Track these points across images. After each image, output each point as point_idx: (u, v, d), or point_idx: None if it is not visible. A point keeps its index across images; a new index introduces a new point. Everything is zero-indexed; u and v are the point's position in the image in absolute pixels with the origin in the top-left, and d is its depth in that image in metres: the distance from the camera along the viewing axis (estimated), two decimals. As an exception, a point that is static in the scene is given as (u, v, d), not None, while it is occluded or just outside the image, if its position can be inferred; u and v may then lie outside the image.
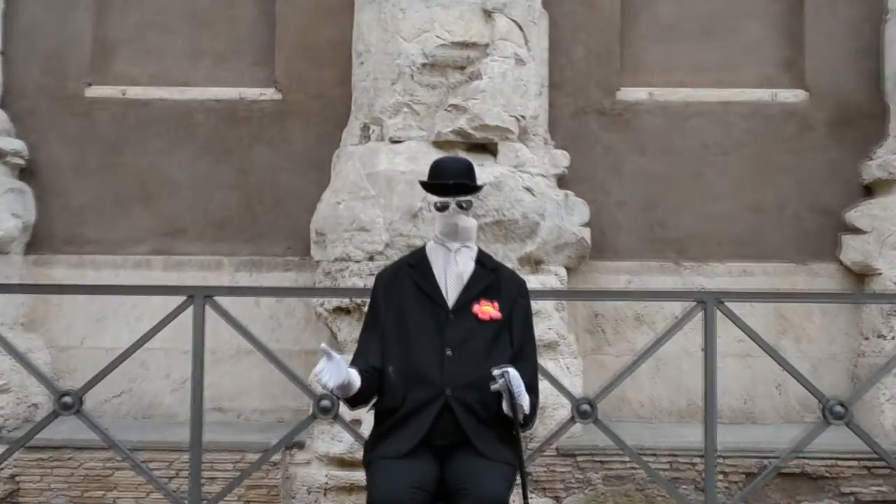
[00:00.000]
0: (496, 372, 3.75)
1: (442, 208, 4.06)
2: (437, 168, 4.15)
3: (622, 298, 6.85)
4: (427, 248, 4.17)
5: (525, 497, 3.89)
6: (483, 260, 4.11)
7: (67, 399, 4.99)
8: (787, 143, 7.34)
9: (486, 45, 6.62)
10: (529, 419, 3.95)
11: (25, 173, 7.26)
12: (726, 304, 5.03)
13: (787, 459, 5.12)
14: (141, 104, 7.38)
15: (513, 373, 3.75)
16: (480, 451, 3.81)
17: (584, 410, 4.86)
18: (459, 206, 4.04)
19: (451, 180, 4.04)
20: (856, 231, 7.12)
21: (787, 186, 7.31)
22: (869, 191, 7.26)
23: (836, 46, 7.37)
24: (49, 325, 7.14)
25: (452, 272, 4.02)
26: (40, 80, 7.39)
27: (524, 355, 4.00)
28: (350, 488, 5.99)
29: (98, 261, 7.23)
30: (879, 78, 7.30)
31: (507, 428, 3.90)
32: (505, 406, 3.80)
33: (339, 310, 6.35)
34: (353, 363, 3.91)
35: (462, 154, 6.32)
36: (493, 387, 3.76)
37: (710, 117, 7.36)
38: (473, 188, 4.08)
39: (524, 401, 3.82)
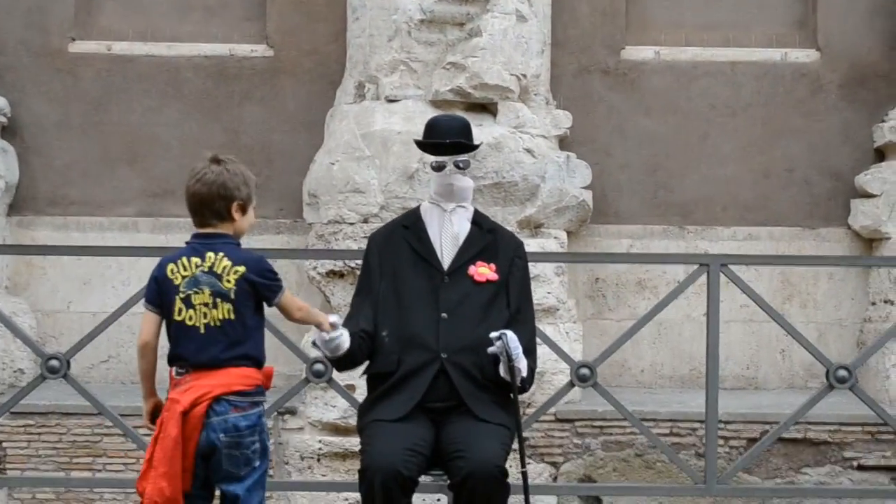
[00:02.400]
0: (494, 334, 3.85)
1: (438, 168, 4.12)
2: (432, 127, 4.20)
3: (624, 261, 6.95)
4: (421, 209, 4.24)
5: (523, 461, 3.99)
6: (479, 221, 4.16)
7: (54, 362, 5.07)
8: (798, 104, 7.41)
9: (487, 1, 6.68)
10: (527, 382, 4.05)
11: (7, 132, 7.31)
12: (731, 267, 5.12)
13: (789, 424, 5.23)
14: (127, 60, 7.42)
15: (510, 335, 3.84)
16: (477, 414, 3.90)
17: (583, 375, 4.95)
18: (456, 165, 4.10)
19: (447, 139, 4.09)
20: (866, 195, 7.21)
21: (796, 149, 7.39)
22: (881, 154, 7.34)
23: (849, 5, 7.42)
24: (33, 288, 7.22)
25: (448, 233, 4.09)
26: (22, 35, 7.41)
27: (521, 318, 4.08)
28: (344, 455, 6.12)
29: (83, 222, 7.31)
30: (895, 38, 7.37)
31: (504, 391, 4.01)
32: (502, 369, 3.89)
33: (332, 273, 6.46)
34: (345, 326, 3.97)
35: (461, 114, 6.37)
36: (491, 350, 3.86)
37: (717, 77, 7.43)
38: (470, 147, 4.15)
39: (522, 364, 3.91)
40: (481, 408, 3.93)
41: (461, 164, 4.12)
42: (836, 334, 7.17)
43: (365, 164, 6.55)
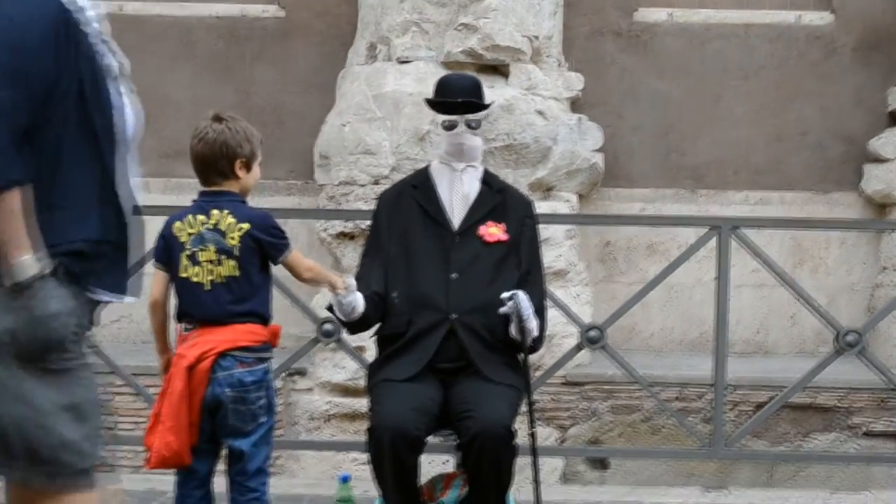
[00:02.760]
0: (505, 295, 3.85)
1: (449, 127, 4.08)
2: (443, 85, 4.17)
3: (634, 223, 6.96)
4: (431, 169, 4.21)
5: (532, 422, 4.00)
6: (489, 180, 4.14)
7: (66, 321, 5.10)
8: (811, 67, 7.36)
9: (499, -38, 6.65)
10: (538, 342, 4.06)
11: (17, 92, 7.31)
12: (742, 230, 5.11)
13: (797, 388, 5.23)
14: (139, 20, 7.38)
15: (522, 296, 3.84)
16: (485, 375, 3.90)
17: (593, 336, 4.96)
18: (468, 125, 4.06)
19: (458, 98, 4.06)
20: (879, 160, 7.17)
21: (809, 113, 7.35)
22: (895, 119, 7.30)
23: (864, -33, 7.36)
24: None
25: (458, 193, 4.07)
26: (31, -7, 7.41)
27: (532, 278, 4.07)
28: (353, 416, 6.15)
29: (94, 184, 7.30)
30: (910, 0, 7.30)
31: (514, 352, 4.02)
32: (513, 329, 3.89)
33: (342, 235, 6.47)
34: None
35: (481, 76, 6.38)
36: (502, 310, 3.86)
37: (731, 40, 7.38)
38: (482, 106, 4.11)
39: (533, 324, 3.91)
40: (490, 368, 3.94)
41: (473, 124, 4.08)
42: (847, 300, 7.15)
43: (376, 125, 6.53)
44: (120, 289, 2.58)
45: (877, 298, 6.97)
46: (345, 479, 4.14)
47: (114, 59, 2.63)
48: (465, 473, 3.97)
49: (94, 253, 2.52)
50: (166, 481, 5.10)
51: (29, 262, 2.39)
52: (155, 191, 7.25)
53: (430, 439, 3.96)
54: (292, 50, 7.38)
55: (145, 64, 7.34)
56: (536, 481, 4.00)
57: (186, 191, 7.06)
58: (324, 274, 3.84)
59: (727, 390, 5.43)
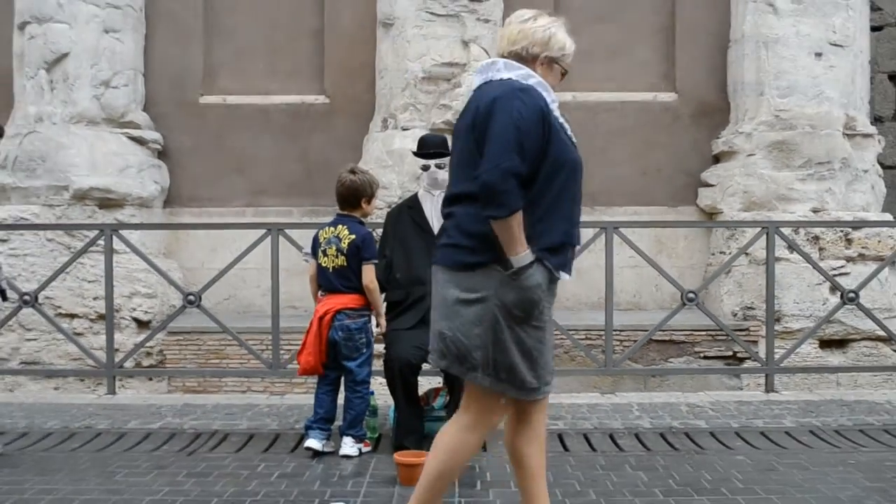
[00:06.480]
0: None
1: (426, 168, 4.17)
2: (422, 142, 4.22)
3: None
4: (419, 195, 4.24)
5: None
6: (456, 200, 4.13)
7: (191, 297, 5.08)
8: (664, 128, 7.33)
9: (465, 64, 6.64)
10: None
11: (161, 154, 7.28)
12: (621, 230, 5.10)
13: (656, 329, 5.22)
14: (236, 107, 7.35)
15: None
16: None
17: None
18: (437, 166, 4.12)
19: (431, 150, 4.13)
20: (707, 185, 7.15)
21: (663, 157, 7.32)
22: (717, 159, 7.28)
23: (697, 64, 7.33)
24: (180, 253, 7.18)
25: (436, 210, 4.06)
26: (169, 93, 7.35)
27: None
28: (376, 355, 6.09)
29: (210, 211, 7.26)
30: (725, 85, 7.28)
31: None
32: None
33: (369, 239, 6.43)
34: None
35: (448, 136, 6.35)
36: None
37: (613, 112, 7.34)
38: (446, 154, 4.12)
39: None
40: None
41: (441, 165, 4.13)
42: (690, 274, 7.08)
43: (388, 170, 6.51)
44: (567, 270, 2.58)
45: (708, 273, 6.95)
46: (371, 394, 4.12)
47: (565, 122, 2.66)
48: (447, 387, 3.97)
49: (557, 249, 2.54)
50: (257, 398, 5.08)
51: (526, 254, 2.45)
52: (248, 216, 7.23)
53: (425, 367, 3.95)
54: (335, 124, 7.31)
55: (241, 135, 7.37)
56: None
57: (269, 215, 7.11)
58: (378, 302, 3.94)
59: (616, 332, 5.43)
